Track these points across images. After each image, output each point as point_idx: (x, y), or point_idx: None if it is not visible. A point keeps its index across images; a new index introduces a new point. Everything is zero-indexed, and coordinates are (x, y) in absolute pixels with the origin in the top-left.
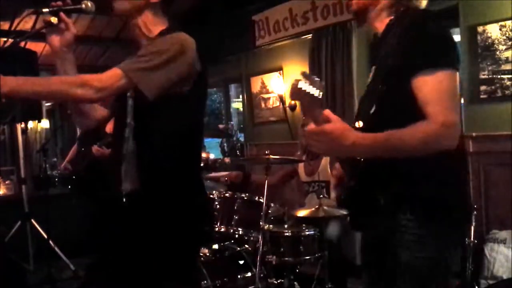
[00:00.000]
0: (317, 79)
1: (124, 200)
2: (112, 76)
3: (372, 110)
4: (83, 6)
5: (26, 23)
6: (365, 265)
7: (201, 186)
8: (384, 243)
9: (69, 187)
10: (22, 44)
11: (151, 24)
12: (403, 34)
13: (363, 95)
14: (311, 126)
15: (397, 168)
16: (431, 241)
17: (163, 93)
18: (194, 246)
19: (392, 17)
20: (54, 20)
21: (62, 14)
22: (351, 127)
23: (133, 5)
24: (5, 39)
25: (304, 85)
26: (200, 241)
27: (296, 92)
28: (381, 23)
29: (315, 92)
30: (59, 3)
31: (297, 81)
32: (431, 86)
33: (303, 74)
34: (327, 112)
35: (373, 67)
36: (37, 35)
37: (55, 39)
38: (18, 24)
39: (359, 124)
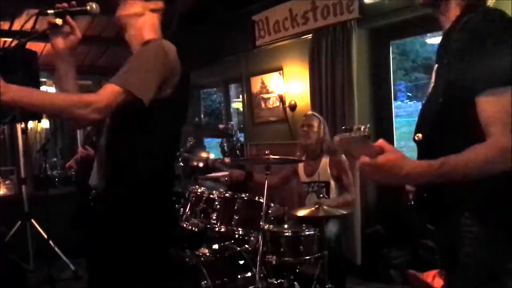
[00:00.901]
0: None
1: (92, 195)
2: (112, 95)
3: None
4: (88, 8)
5: (26, 23)
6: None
7: (169, 189)
8: (450, 243)
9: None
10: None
11: (145, 29)
12: (469, 43)
13: (425, 102)
14: (365, 158)
15: None
16: (489, 240)
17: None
18: (158, 248)
19: (459, 13)
20: (58, 21)
21: (68, 18)
22: (404, 156)
23: (134, 12)
24: (5, 39)
25: (342, 135)
26: (164, 243)
27: (341, 145)
28: (446, 17)
29: (355, 134)
30: (64, 4)
31: (335, 137)
32: (498, 107)
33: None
34: (381, 142)
35: (436, 66)
36: (40, 36)
37: (59, 41)
38: (23, 25)
39: (419, 136)
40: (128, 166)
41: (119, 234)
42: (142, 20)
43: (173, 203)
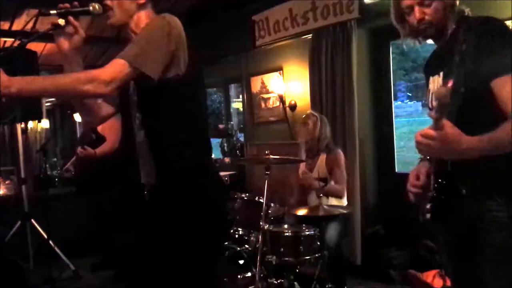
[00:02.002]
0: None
1: (146, 194)
2: (118, 67)
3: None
4: (91, 8)
5: (29, 22)
6: (446, 249)
7: (214, 169)
8: (471, 230)
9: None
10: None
11: (142, 22)
12: (479, 41)
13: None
14: (428, 130)
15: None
16: None
17: (163, 74)
18: (218, 231)
19: (454, 26)
20: (61, 22)
21: (71, 19)
22: (461, 132)
23: (126, 13)
24: (5, 39)
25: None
26: (222, 225)
27: (445, 95)
28: (444, 34)
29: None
30: (67, 5)
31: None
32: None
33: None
34: (440, 118)
35: (441, 73)
36: (42, 36)
37: (64, 42)
38: (25, 25)
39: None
40: (174, 156)
41: (183, 226)
42: (139, 17)
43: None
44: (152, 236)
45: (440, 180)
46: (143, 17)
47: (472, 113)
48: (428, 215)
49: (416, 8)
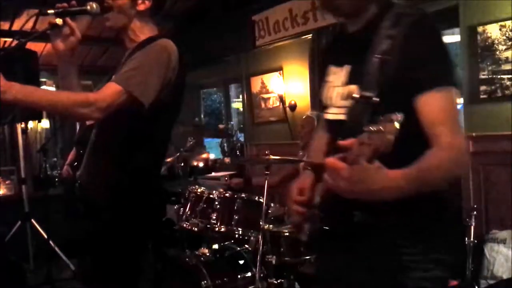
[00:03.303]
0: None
1: (78, 187)
2: (115, 94)
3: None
4: (88, 8)
5: (27, 23)
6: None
7: (155, 190)
8: (371, 267)
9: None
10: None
11: (140, 30)
12: (404, 41)
13: (353, 102)
14: (337, 162)
15: None
16: (434, 257)
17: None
18: (135, 240)
19: (376, 11)
20: (59, 21)
21: (68, 20)
22: (381, 165)
23: (124, 17)
24: (5, 39)
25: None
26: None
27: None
28: (358, 15)
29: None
30: (65, 4)
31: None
32: (446, 105)
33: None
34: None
35: (347, 66)
36: (40, 35)
37: (59, 43)
38: (23, 25)
39: None
40: (110, 158)
41: (101, 225)
42: (135, 23)
43: (156, 201)
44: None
45: (329, 199)
46: (141, 25)
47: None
48: (304, 236)
49: None
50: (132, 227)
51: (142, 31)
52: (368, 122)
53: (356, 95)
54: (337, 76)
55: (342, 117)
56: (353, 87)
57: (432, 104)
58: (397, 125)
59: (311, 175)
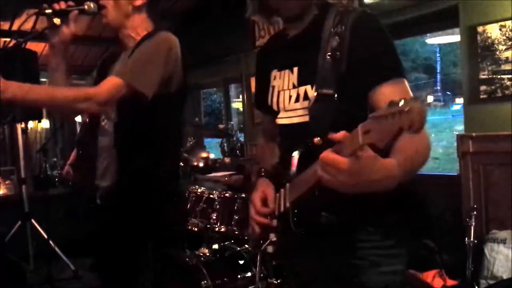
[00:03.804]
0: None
1: (100, 196)
2: (114, 87)
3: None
4: (86, 7)
5: (26, 23)
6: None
7: (176, 186)
8: (333, 263)
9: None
10: (23, 44)
11: (138, 27)
12: (351, 37)
13: (314, 101)
14: (337, 158)
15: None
16: (397, 251)
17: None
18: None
19: (316, 12)
20: (57, 21)
21: (71, 15)
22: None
23: (121, 13)
24: (5, 39)
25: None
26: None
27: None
28: (302, 18)
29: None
30: (62, 4)
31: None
32: (398, 94)
33: None
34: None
35: (295, 68)
36: (39, 35)
37: (55, 37)
38: (21, 25)
39: (318, 141)
40: (137, 164)
41: (131, 230)
42: (133, 19)
43: (175, 201)
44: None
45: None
46: (139, 22)
47: (349, 127)
48: (271, 248)
49: None
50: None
51: (141, 27)
52: (332, 119)
53: (314, 94)
54: (283, 80)
55: (298, 119)
56: (307, 87)
57: (390, 95)
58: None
59: (271, 184)
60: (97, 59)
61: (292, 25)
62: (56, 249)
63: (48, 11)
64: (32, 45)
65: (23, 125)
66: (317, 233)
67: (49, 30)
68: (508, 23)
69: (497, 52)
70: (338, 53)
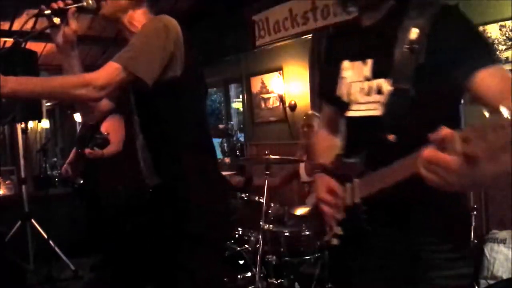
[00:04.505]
0: None
1: (151, 193)
2: (112, 72)
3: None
4: (85, 3)
5: (26, 23)
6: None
7: (216, 170)
8: (400, 265)
9: (72, 190)
10: (23, 44)
11: (137, 21)
12: (436, 29)
13: (389, 97)
14: (449, 159)
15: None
16: (459, 255)
17: (159, 77)
18: (217, 234)
19: (393, 3)
20: (56, 20)
21: (69, 12)
22: None
23: (118, 7)
24: (5, 39)
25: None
26: (222, 228)
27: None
28: (378, 8)
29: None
30: (60, 3)
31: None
32: (500, 80)
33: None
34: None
35: (369, 61)
36: (39, 35)
37: (59, 38)
38: (22, 26)
39: (391, 137)
40: (176, 158)
41: (181, 229)
42: (133, 15)
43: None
44: (150, 237)
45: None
46: (137, 16)
47: (426, 125)
48: (335, 241)
49: None
50: (211, 227)
51: (139, 20)
52: (407, 115)
53: (391, 89)
54: (355, 71)
55: (370, 113)
56: (381, 81)
57: (492, 81)
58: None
59: (332, 179)
60: (97, 59)
61: (367, 15)
62: (56, 249)
63: (47, 11)
64: (32, 45)
65: (23, 125)
66: (382, 232)
67: (51, 30)
68: (508, 23)
69: (497, 52)
70: (416, 45)
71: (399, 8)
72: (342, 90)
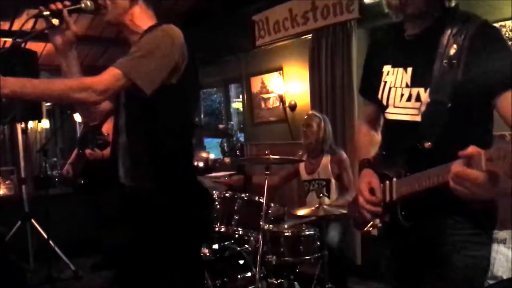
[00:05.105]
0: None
1: (127, 193)
2: (112, 77)
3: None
4: (83, 5)
5: (26, 24)
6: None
7: (194, 174)
8: (427, 249)
9: (72, 189)
10: (22, 44)
11: (138, 20)
12: (474, 49)
13: (427, 107)
14: (474, 174)
15: None
16: (480, 240)
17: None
18: (199, 235)
19: (438, 16)
20: (55, 21)
21: (65, 12)
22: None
23: (120, 9)
24: (5, 39)
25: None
26: (203, 229)
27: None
28: (424, 18)
29: None
30: (59, 4)
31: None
32: None
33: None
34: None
35: (409, 69)
36: (37, 35)
37: (58, 39)
38: (21, 26)
39: (429, 145)
40: (155, 160)
41: (158, 227)
42: (133, 13)
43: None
44: (130, 236)
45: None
46: (137, 13)
47: (459, 136)
48: (375, 231)
49: None
50: (190, 228)
51: (141, 20)
52: (443, 125)
53: (429, 99)
54: (396, 77)
55: (408, 118)
56: (420, 90)
57: None
58: None
59: (375, 174)
60: (97, 59)
61: (412, 24)
62: (56, 249)
63: (46, 12)
64: (32, 45)
65: (23, 125)
66: (418, 225)
67: (49, 31)
68: (508, 23)
69: None
70: (455, 61)
71: (442, 21)
72: (383, 94)
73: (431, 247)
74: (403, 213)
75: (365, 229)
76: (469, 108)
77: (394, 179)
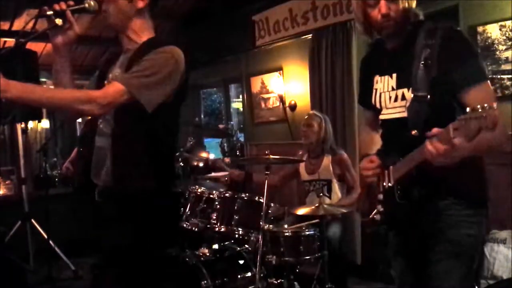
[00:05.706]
0: None
1: (98, 194)
2: (116, 93)
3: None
4: (87, 5)
5: (28, 23)
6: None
7: (169, 179)
8: (427, 228)
9: (72, 189)
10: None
11: (139, 30)
12: (444, 48)
13: (411, 102)
14: (440, 146)
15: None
16: (474, 219)
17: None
18: (159, 247)
19: (410, 28)
20: (58, 22)
21: (68, 13)
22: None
23: (122, 15)
24: (5, 39)
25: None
26: (164, 242)
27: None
28: (400, 34)
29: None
30: (62, 4)
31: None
32: (488, 95)
33: None
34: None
35: (394, 75)
36: (40, 35)
37: (59, 39)
38: (24, 26)
39: (416, 133)
40: (133, 166)
41: (124, 232)
42: (134, 22)
43: (175, 202)
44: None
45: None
46: (140, 24)
47: (438, 122)
48: (378, 217)
49: (382, 2)
50: (156, 232)
51: (141, 30)
52: (426, 116)
53: (411, 96)
54: (384, 84)
55: (397, 115)
56: (404, 90)
57: (478, 96)
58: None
59: (375, 156)
60: (97, 59)
61: (391, 40)
62: (56, 249)
63: (49, 12)
64: (32, 45)
65: (23, 125)
66: (414, 203)
67: (50, 31)
68: (508, 23)
69: (497, 52)
70: (429, 61)
71: (414, 32)
72: (376, 99)
73: (431, 224)
74: (399, 192)
75: (370, 216)
76: (445, 99)
77: (391, 166)
